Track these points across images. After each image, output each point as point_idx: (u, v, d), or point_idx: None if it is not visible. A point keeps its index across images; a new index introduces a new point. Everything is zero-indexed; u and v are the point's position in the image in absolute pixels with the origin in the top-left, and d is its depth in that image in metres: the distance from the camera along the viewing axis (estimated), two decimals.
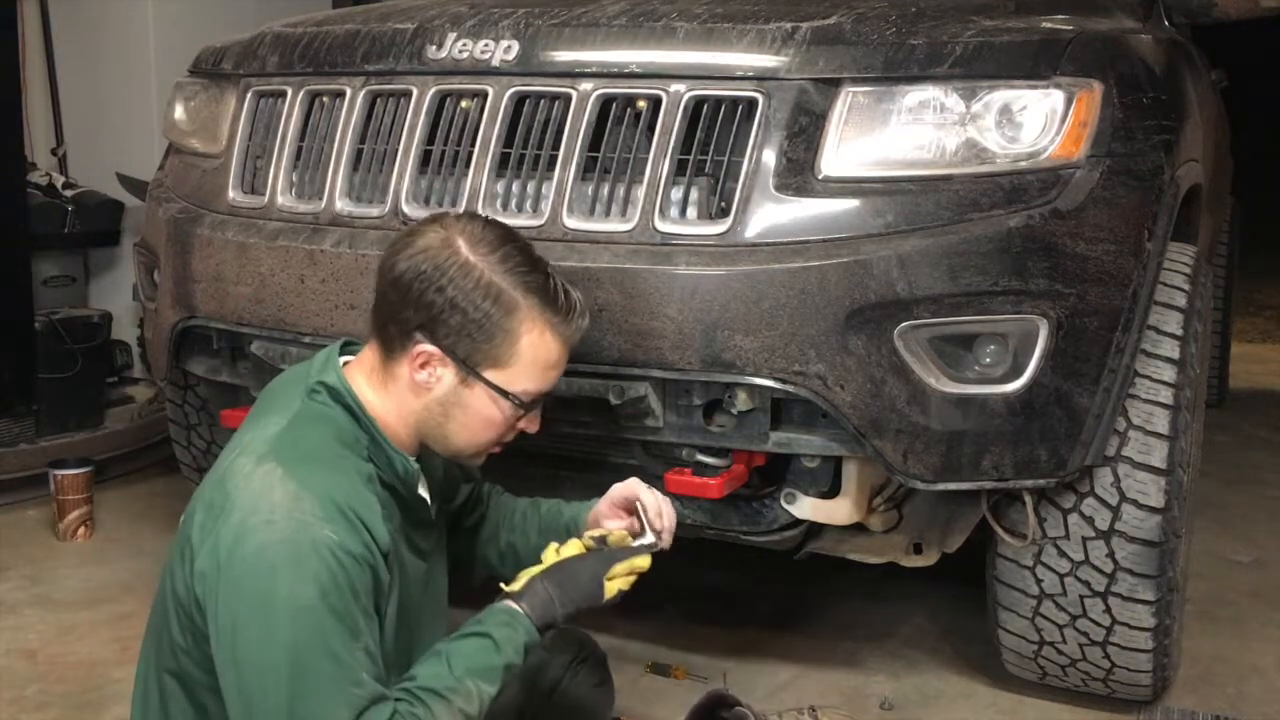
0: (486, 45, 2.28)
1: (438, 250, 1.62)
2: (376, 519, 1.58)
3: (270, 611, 1.46)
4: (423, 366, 1.65)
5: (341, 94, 2.41)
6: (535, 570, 1.73)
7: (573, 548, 1.77)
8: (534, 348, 1.66)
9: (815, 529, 2.38)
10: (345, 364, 1.72)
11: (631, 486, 1.88)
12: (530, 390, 1.69)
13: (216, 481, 1.59)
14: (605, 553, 1.76)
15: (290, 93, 2.48)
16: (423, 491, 1.74)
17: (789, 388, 2.05)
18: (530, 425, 1.75)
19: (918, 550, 2.46)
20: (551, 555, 1.76)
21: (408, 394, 1.67)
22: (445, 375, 1.65)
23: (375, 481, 1.64)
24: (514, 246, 1.68)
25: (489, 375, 1.65)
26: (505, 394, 1.67)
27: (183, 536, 1.59)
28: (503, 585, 1.73)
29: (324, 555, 1.49)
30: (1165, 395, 2.21)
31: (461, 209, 2.22)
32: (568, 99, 2.21)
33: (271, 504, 1.50)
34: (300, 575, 1.47)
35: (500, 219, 2.17)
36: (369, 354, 1.70)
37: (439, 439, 1.71)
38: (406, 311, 1.63)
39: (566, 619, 1.70)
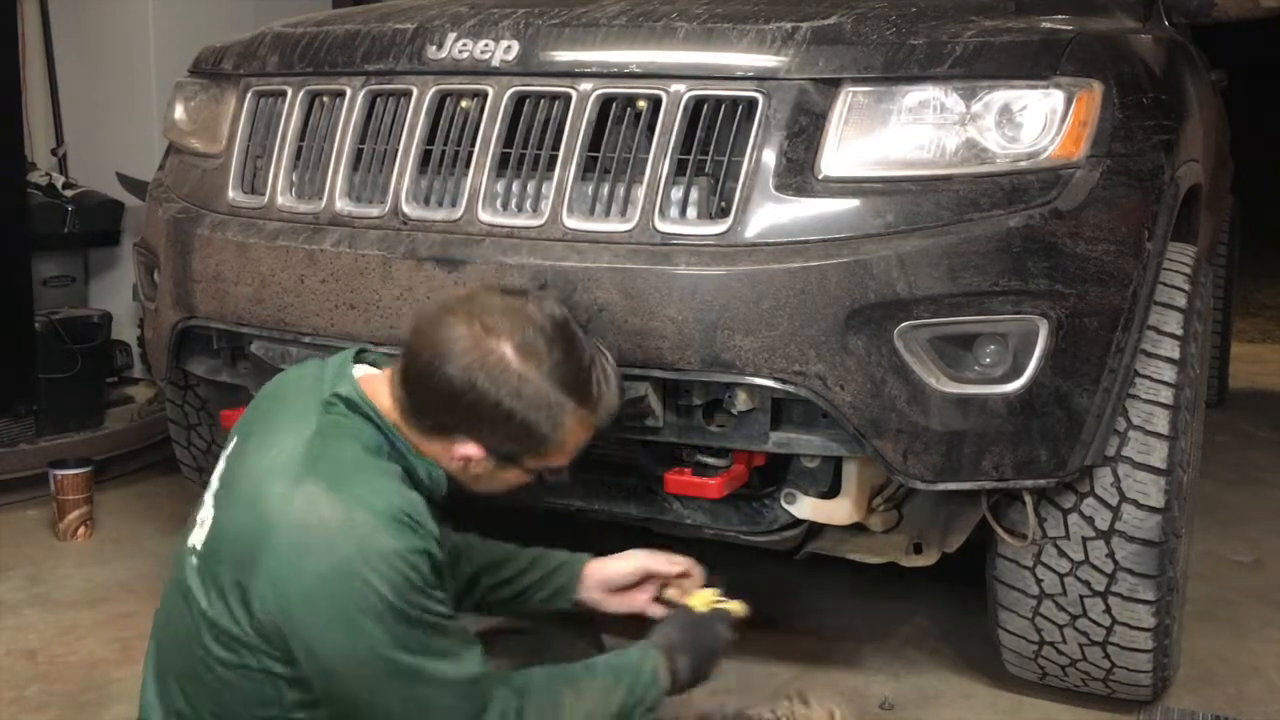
0: (486, 45, 2.28)
1: (490, 364, 1.62)
2: (424, 511, 1.61)
3: (353, 624, 1.51)
4: (458, 457, 1.68)
5: (341, 94, 2.41)
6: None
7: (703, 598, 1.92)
8: (573, 438, 1.71)
9: (815, 529, 2.38)
10: (360, 377, 1.72)
11: (636, 565, 1.99)
12: (561, 463, 1.74)
13: (244, 507, 1.60)
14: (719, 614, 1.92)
15: (290, 93, 2.48)
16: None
17: (789, 388, 2.05)
18: (558, 472, 1.79)
19: (918, 550, 2.46)
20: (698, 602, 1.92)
21: (440, 458, 1.70)
22: (483, 462, 1.69)
23: (408, 480, 1.66)
24: (562, 350, 1.66)
25: (527, 463, 1.72)
26: (542, 471, 1.74)
27: (225, 571, 1.59)
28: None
29: (393, 563, 1.52)
30: (1165, 395, 2.21)
31: (462, 209, 2.22)
32: (568, 99, 2.21)
33: (326, 527, 1.53)
34: (375, 584, 1.51)
35: (501, 219, 2.20)
36: (392, 386, 1.69)
37: (463, 487, 1.76)
38: (453, 417, 1.65)
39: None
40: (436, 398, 1.64)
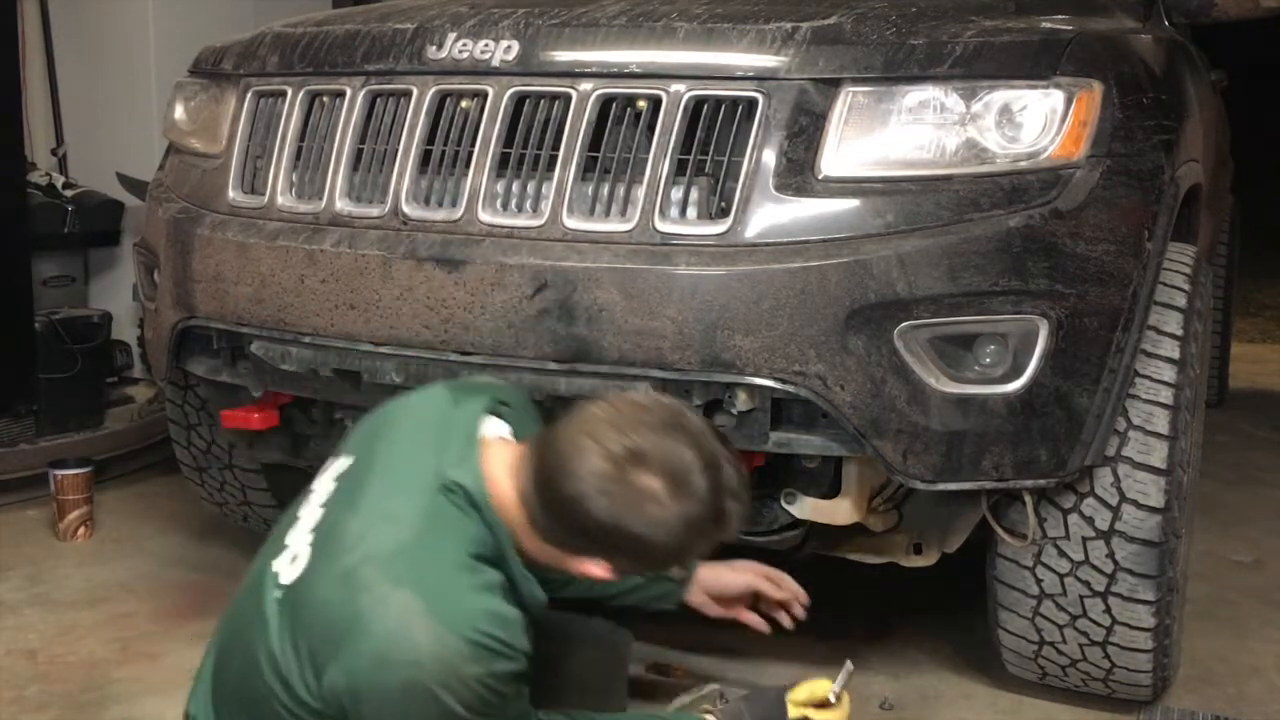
0: (486, 45, 2.28)
1: (636, 504, 1.59)
2: (518, 630, 1.60)
3: None
4: (584, 573, 1.68)
5: (341, 94, 2.41)
6: None
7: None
8: (699, 555, 1.72)
9: (816, 529, 2.38)
10: (485, 454, 1.69)
11: (748, 583, 2.17)
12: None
13: (340, 581, 1.58)
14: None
15: (290, 93, 2.48)
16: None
17: (789, 388, 2.05)
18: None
19: (918, 550, 2.46)
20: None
21: (557, 560, 1.69)
22: (598, 570, 1.69)
23: (508, 592, 1.65)
24: (709, 478, 1.63)
25: (647, 574, 1.78)
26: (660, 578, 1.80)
27: (304, 637, 1.59)
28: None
29: (473, 688, 1.54)
30: (1165, 395, 2.21)
31: (462, 209, 2.22)
32: (568, 99, 2.21)
33: (415, 645, 1.53)
34: (450, 704, 1.53)
35: (501, 219, 2.19)
36: (524, 494, 1.65)
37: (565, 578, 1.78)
38: (590, 546, 1.64)
39: None
40: (577, 528, 1.62)
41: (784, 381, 2.05)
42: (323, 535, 1.68)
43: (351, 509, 1.67)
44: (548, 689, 1.95)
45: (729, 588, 2.18)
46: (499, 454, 1.71)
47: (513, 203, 2.22)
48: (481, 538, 1.64)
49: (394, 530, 1.61)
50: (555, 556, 1.68)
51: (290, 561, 1.68)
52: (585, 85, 2.20)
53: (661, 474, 1.59)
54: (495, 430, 1.76)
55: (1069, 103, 2.10)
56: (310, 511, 1.74)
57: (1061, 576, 2.30)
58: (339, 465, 1.80)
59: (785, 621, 2.26)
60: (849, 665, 2.09)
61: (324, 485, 1.78)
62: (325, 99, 2.45)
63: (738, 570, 2.18)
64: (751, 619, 2.21)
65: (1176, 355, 2.24)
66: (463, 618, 1.55)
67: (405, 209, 2.28)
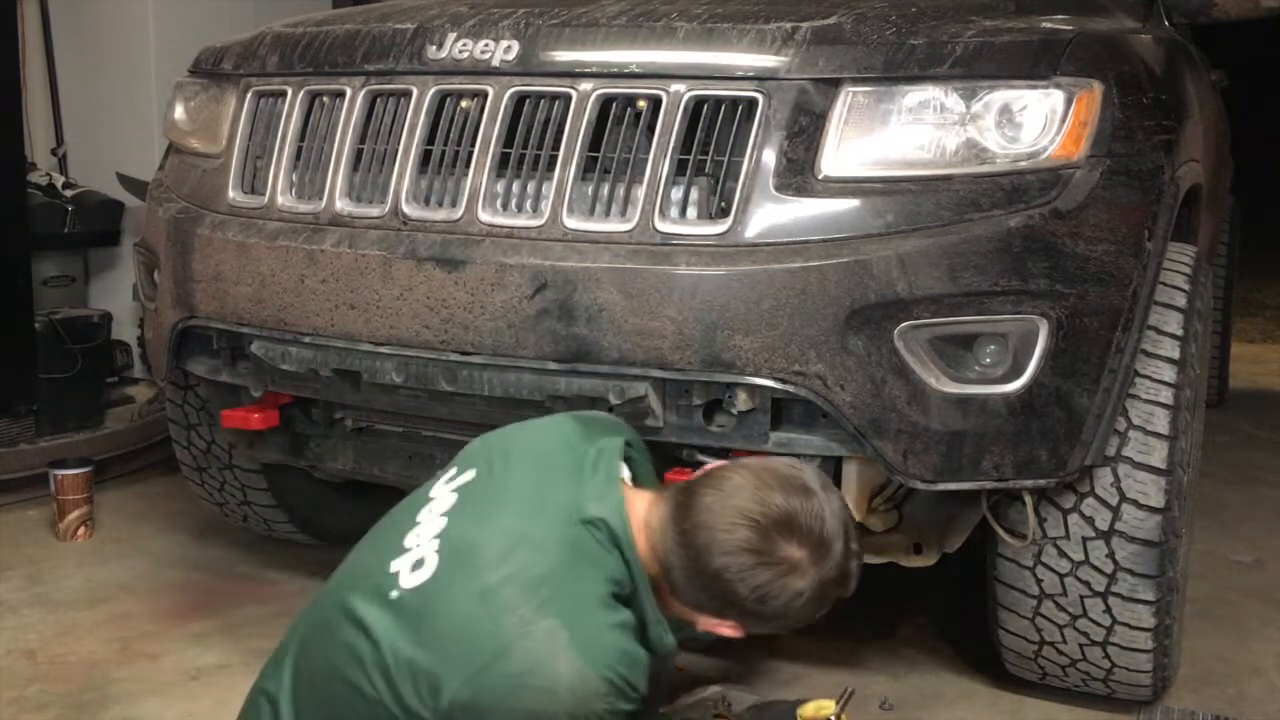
0: (486, 45, 2.28)
1: (781, 586, 1.67)
2: (643, 674, 1.64)
3: None
4: (712, 629, 1.74)
5: (341, 94, 2.41)
6: None
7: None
8: (816, 614, 1.76)
9: None
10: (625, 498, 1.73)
11: None
12: None
13: (479, 598, 1.60)
14: None
15: (290, 93, 2.48)
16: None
17: (789, 388, 2.05)
18: None
19: (917, 550, 2.46)
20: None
21: (682, 614, 1.75)
22: (727, 630, 1.76)
23: (638, 633, 1.68)
24: (843, 544, 1.71)
25: (767, 631, 1.80)
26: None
27: (420, 647, 1.60)
28: None
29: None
30: (1165, 395, 2.21)
31: (462, 209, 2.22)
32: (568, 99, 2.21)
33: (555, 674, 1.56)
34: None
35: (501, 219, 2.19)
36: (662, 553, 1.70)
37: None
38: (729, 610, 1.71)
39: None
40: (720, 596, 1.68)
41: (784, 381, 2.05)
42: (453, 547, 1.68)
43: (485, 526, 1.68)
44: None
45: None
46: (634, 499, 1.75)
47: (513, 203, 2.22)
48: (620, 577, 1.67)
49: (538, 557, 1.63)
50: (686, 613, 1.75)
51: (413, 567, 1.68)
52: (585, 85, 2.20)
53: (805, 544, 1.67)
54: (623, 473, 1.80)
55: (1069, 103, 2.10)
56: (432, 519, 1.74)
57: (1061, 576, 2.30)
58: (459, 478, 1.80)
59: None
60: (850, 689, 2.16)
61: (443, 494, 1.78)
62: (325, 99, 2.45)
63: None
64: None
65: (1176, 355, 2.24)
66: (601, 654, 1.58)
67: (405, 209, 2.28)
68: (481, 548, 1.65)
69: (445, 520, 1.72)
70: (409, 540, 1.73)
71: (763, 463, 1.79)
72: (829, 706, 2.07)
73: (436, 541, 1.69)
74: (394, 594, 1.66)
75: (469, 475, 1.79)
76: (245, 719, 1.85)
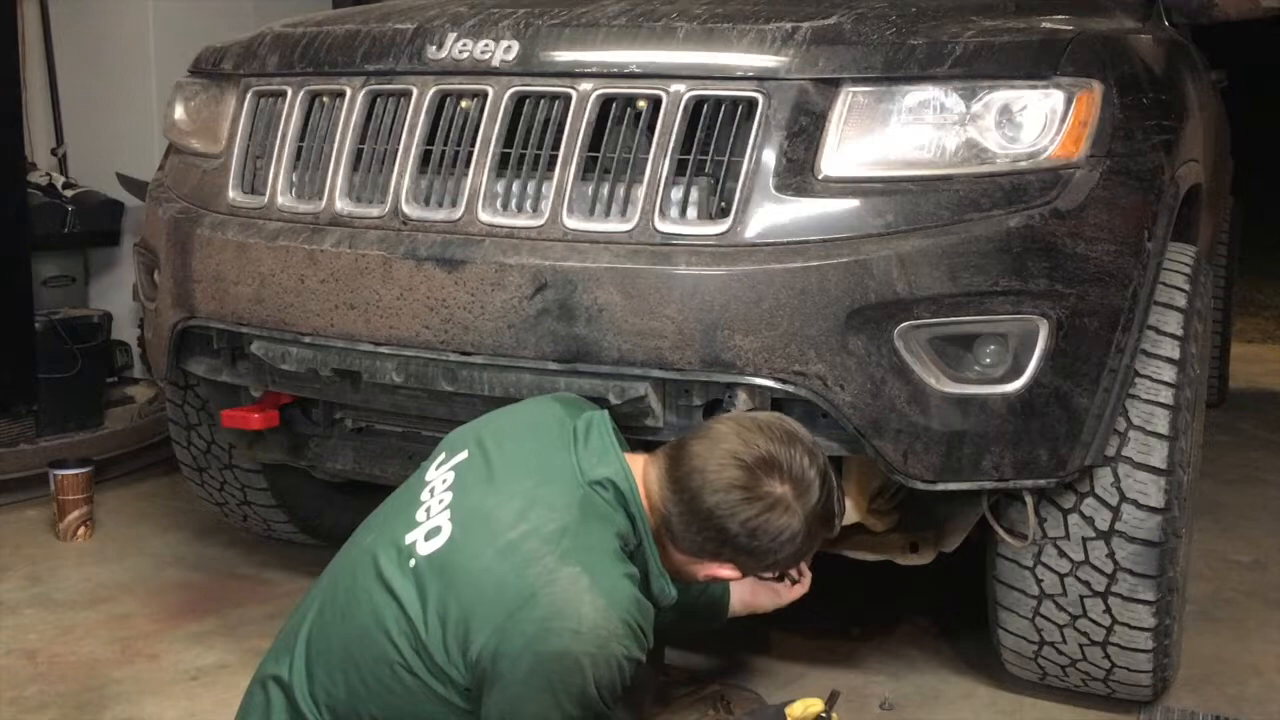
0: (486, 45, 2.28)
1: (770, 519, 1.78)
2: (651, 624, 1.73)
3: (553, 698, 1.63)
4: (712, 577, 1.83)
5: (341, 94, 2.41)
6: None
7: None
8: (807, 555, 1.89)
9: None
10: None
11: (772, 600, 2.28)
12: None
13: (502, 553, 1.67)
14: None
15: (290, 93, 2.48)
16: None
17: (789, 388, 2.05)
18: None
19: (914, 549, 2.46)
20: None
21: (685, 565, 1.84)
22: (726, 572, 1.85)
23: (643, 587, 1.77)
24: (823, 485, 1.81)
25: (763, 574, 1.92)
26: (765, 577, 1.91)
27: (454, 600, 1.67)
28: None
29: (613, 665, 1.65)
30: (1165, 395, 2.21)
31: (462, 209, 2.22)
32: (568, 99, 2.21)
33: (579, 615, 1.64)
34: (590, 676, 1.63)
35: (501, 219, 2.20)
36: (659, 501, 1.81)
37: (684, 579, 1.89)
38: (723, 549, 1.80)
39: None
40: (715, 535, 1.78)
41: (784, 381, 2.05)
42: (467, 515, 1.75)
43: (495, 493, 1.76)
44: None
45: (761, 609, 2.30)
46: (631, 461, 1.84)
47: (513, 203, 2.22)
48: (626, 532, 1.77)
49: (553, 514, 1.71)
50: (684, 563, 1.83)
51: (427, 536, 1.75)
52: (585, 85, 2.20)
53: (788, 481, 1.78)
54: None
55: (1069, 103, 2.10)
56: (436, 497, 1.81)
57: (1061, 576, 2.30)
58: (451, 459, 1.87)
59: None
60: (837, 691, 2.21)
61: (439, 476, 1.85)
62: (325, 99, 2.45)
63: (770, 593, 2.30)
64: (796, 591, 2.33)
65: (1176, 355, 2.24)
66: (620, 599, 1.67)
67: (405, 209, 2.28)
68: (496, 511, 1.73)
69: (451, 494, 1.80)
70: (419, 516, 1.80)
71: (747, 414, 1.91)
72: (817, 704, 2.11)
73: (448, 512, 1.77)
74: (413, 563, 1.73)
75: (461, 456, 1.86)
76: (250, 708, 1.86)
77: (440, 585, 1.68)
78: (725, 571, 1.83)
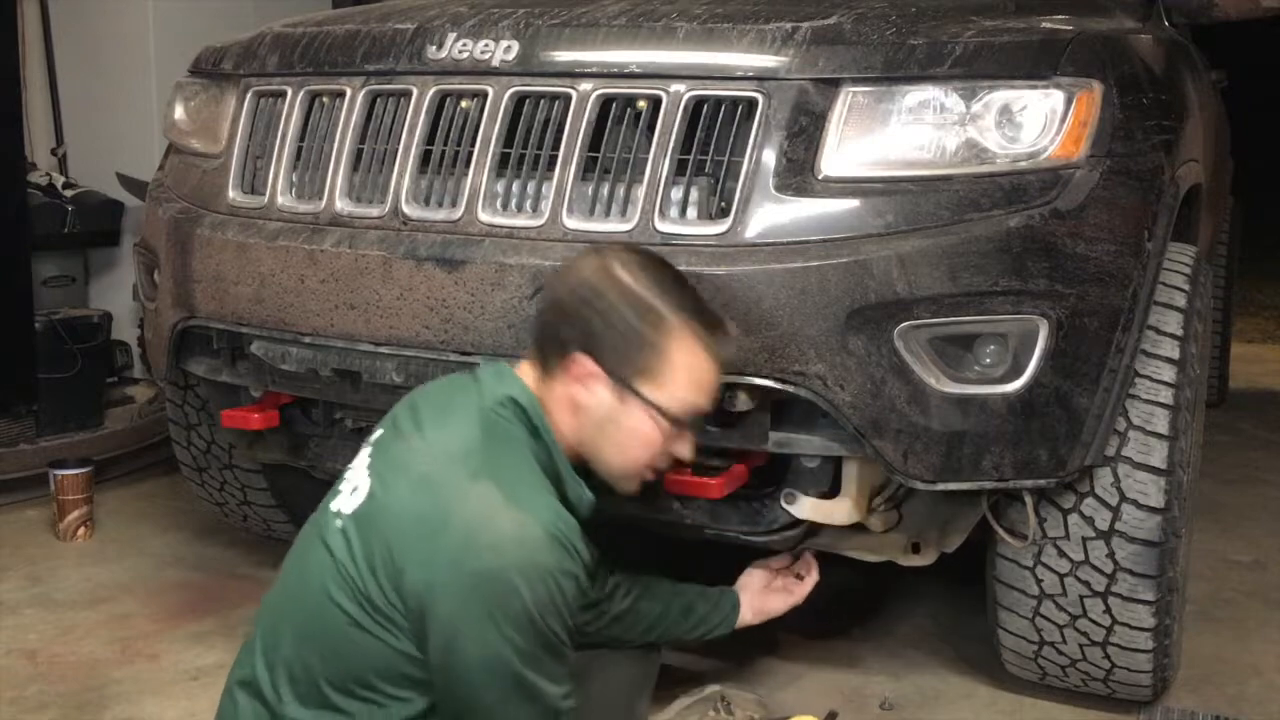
0: (486, 45, 2.28)
1: (596, 275, 1.76)
2: (579, 537, 1.67)
3: (494, 626, 1.57)
4: (581, 383, 1.74)
5: (341, 94, 2.41)
6: None
7: None
8: (686, 364, 1.76)
9: (814, 527, 2.38)
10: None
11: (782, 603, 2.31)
12: (683, 406, 1.78)
13: (416, 485, 1.66)
14: None
15: (290, 93, 2.48)
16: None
17: (789, 388, 2.05)
18: (683, 448, 1.84)
19: (915, 550, 2.46)
20: None
21: (567, 414, 1.76)
22: (602, 393, 1.75)
23: (562, 500, 1.72)
24: (667, 272, 1.81)
25: (643, 390, 1.74)
26: (659, 409, 1.75)
27: (376, 539, 1.65)
28: None
29: (547, 581, 1.58)
30: (1165, 395, 2.21)
31: (462, 209, 2.22)
32: (568, 99, 2.21)
33: (498, 529, 1.59)
34: (526, 597, 1.57)
35: (501, 219, 2.20)
36: (531, 365, 1.80)
37: (597, 459, 1.80)
38: (565, 331, 1.75)
39: None
40: (551, 318, 1.78)
41: (784, 381, 2.04)
42: (383, 464, 1.75)
43: (406, 440, 1.75)
44: (581, 686, 2.03)
45: (774, 614, 2.31)
46: (525, 377, 1.82)
47: (513, 203, 2.22)
48: (533, 444, 1.74)
49: (458, 440, 1.70)
50: (565, 407, 1.76)
51: (350, 494, 1.75)
52: (585, 85, 2.20)
53: (629, 264, 1.77)
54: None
55: (1069, 103, 2.10)
56: (358, 467, 1.80)
57: (1061, 576, 2.30)
58: (372, 438, 1.86)
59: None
60: (834, 711, 2.24)
61: (362, 454, 1.84)
62: (325, 99, 2.45)
63: (780, 595, 2.32)
64: (802, 589, 2.36)
65: (1176, 355, 2.24)
66: (537, 509, 1.63)
67: (405, 209, 2.28)
68: (407, 456, 1.72)
69: (370, 458, 1.79)
70: (342, 487, 1.79)
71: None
72: None
73: (367, 472, 1.76)
74: (340, 523, 1.72)
75: (379, 432, 1.86)
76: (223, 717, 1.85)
77: (367, 533, 1.67)
78: (588, 365, 1.72)
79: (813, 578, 2.32)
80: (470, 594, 1.57)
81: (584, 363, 1.73)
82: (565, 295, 1.77)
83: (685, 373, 1.76)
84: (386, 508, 1.67)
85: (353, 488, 1.75)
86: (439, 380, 1.93)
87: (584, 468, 1.82)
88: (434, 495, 1.64)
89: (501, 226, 2.20)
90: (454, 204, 2.25)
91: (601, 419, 1.76)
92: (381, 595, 1.64)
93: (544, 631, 1.59)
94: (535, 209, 2.20)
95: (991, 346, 2.08)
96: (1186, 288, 2.32)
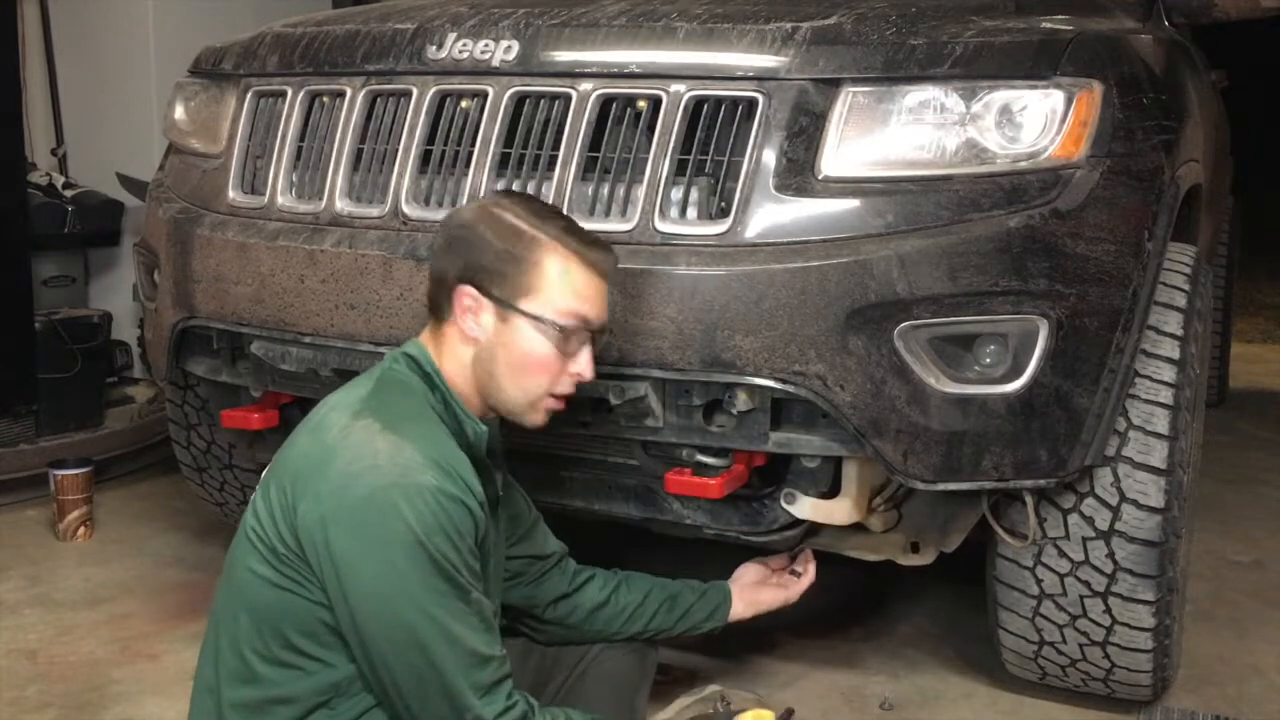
0: (486, 45, 2.28)
1: (471, 213, 1.82)
2: (468, 469, 1.68)
3: (383, 550, 1.56)
4: (466, 312, 1.77)
5: (341, 94, 2.41)
6: None
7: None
8: (560, 271, 1.77)
9: (814, 526, 2.38)
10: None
11: (775, 596, 2.27)
12: (565, 314, 1.77)
13: (309, 433, 1.71)
14: None
15: (290, 93, 2.48)
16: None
17: (789, 388, 2.05)
18: (582, 369, 1.83)
19: (914, 549, 2.46)
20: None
21: (460, 348, 1.79)
22: (487, 318, 1.77)
23: (459, 440, 1.74)
24: (538, 203, 1.86)
25: (523, 305, 1.76)
26: (540, 319, 1.76)
27: (275, 488, 1.68)
28: None
29: (428, 499, 1.58)
30: (1165, 395, 2.21)
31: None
32: (568, 99, 2.21)
33: (375, 451, 1.61)
34: (408, 515, 1.56)
35: None
36: (427, 330, 1.84)
37: (496, 392, 1.80)
38: (446, 267, 1.79)
39: None
40: (436, 263, 1.81)
41: (784, 381, 2.04)
42: (295, 432, 1.78)
43: (317, 410, 1.77)
44: (578, 685, 2.06)
45: (766, 607, 2.28)
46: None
47: None
48: (426, 391, 1.77)
49: (356, 390, 1.75)
50: (456, 342, 1.79)
51: (267, 470, 1.78)
52: (585, 85, 2.20)
53: (522, 203, 1.82)
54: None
55: (1069, 103, 2.10)
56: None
57: (1061, 576, 2.30)
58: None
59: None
60: (791, 709, 2.25)
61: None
62: (325, 99, 2.45)
63: (776, 590, 2.29)
64: (801, 585, 2.33)
65: (1176, 355, 2.24)
66: (418, 439, 1.65)
67: (405, 209, 2.28)
68: (313, 418, 1.75)
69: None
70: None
71: None
72: (767, 716, 2.05)
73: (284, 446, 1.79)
74: (257, 492, 1.74)
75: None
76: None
77: (268, 489, 1.69)
78: (469, 292, 1.76)
79: (810, 575, 2.30)
80: (354, 519, 1.57)
81: (466, 292, 1.76)
82: (445, 236, 1.81)
83: (562, 282, 1.77)
84: (284, 460, 1.71)
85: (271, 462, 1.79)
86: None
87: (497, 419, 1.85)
88: (321, 439, 1.67)
89: None
90: (454, 204, 2.25)
91: (492, 345, 1.77)
92: (283, 542, 1.64)
93: (435, 557, 1.57)
94: None
95: (991, 346, 2.08)
96: (1186, 288, 2.32)
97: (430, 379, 1.78)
